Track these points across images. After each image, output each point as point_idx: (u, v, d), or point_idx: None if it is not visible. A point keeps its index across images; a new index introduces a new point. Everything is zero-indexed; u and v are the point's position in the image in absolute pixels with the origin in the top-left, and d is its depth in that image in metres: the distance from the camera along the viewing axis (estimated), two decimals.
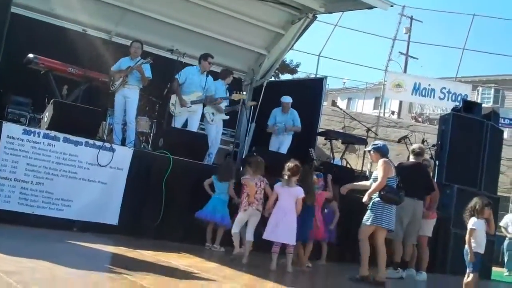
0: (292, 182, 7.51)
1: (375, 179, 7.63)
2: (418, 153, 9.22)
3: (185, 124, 10.66)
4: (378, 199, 7.45)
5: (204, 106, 10.77)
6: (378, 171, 7.63)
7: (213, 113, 10.97)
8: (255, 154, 9.71)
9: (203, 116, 10.93)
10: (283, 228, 7.35)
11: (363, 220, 7.58)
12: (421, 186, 9.00)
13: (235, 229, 7.80)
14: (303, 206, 7.54)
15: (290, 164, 7.58)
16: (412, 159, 9.22)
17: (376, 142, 8.21)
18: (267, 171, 8.25)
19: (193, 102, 10.37)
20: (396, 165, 8.97)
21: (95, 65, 10.62)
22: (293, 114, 11.83)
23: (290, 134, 11.89)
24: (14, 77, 9.97)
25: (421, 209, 8.97)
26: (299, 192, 7.50)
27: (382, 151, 7.87)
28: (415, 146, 9.49)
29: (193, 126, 10.64)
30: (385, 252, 7.56)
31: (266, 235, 7.39)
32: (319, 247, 9.02)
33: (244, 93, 11.04)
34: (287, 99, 11.84)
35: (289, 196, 7.48)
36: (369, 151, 8.10)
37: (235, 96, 10.85)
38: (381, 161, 7.66)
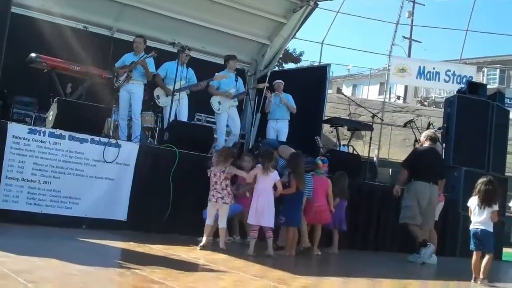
0: (267, 167, 7.44)
1: None
2: (433, 139, 9.25)
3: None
4: None
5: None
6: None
7: (219, 102, 10.95)
8: (260, 144, 9.72)
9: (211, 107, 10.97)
10: (262, 212, 7.30)
11: None
12: (436, 171, 9.07)
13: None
14: (293, 192, 7.61)
15: (260, 150, 7.77)
16: (427, 144, 9.21)
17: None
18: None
19: (177, 91, 10.13)
20: (411, 151, 9.18)
21: (97, 62, 10.66)
22: (286, 95, 11.80)
23: (286, 121, 11.83)
24: (17, 78, 9.94)
25: (436, 194, 8.99)
26: (276, 176, 7.48)
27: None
28: (430, 132, 9.53)
29: (183, 113, 10.53)
30: None
31: (248, 220, 7.43)
32: (330, 235, 9.00)
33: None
34: (277, 81, 11.87)
35: (266, 181, 7.42)
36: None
37: (217, 77, 10.79)
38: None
